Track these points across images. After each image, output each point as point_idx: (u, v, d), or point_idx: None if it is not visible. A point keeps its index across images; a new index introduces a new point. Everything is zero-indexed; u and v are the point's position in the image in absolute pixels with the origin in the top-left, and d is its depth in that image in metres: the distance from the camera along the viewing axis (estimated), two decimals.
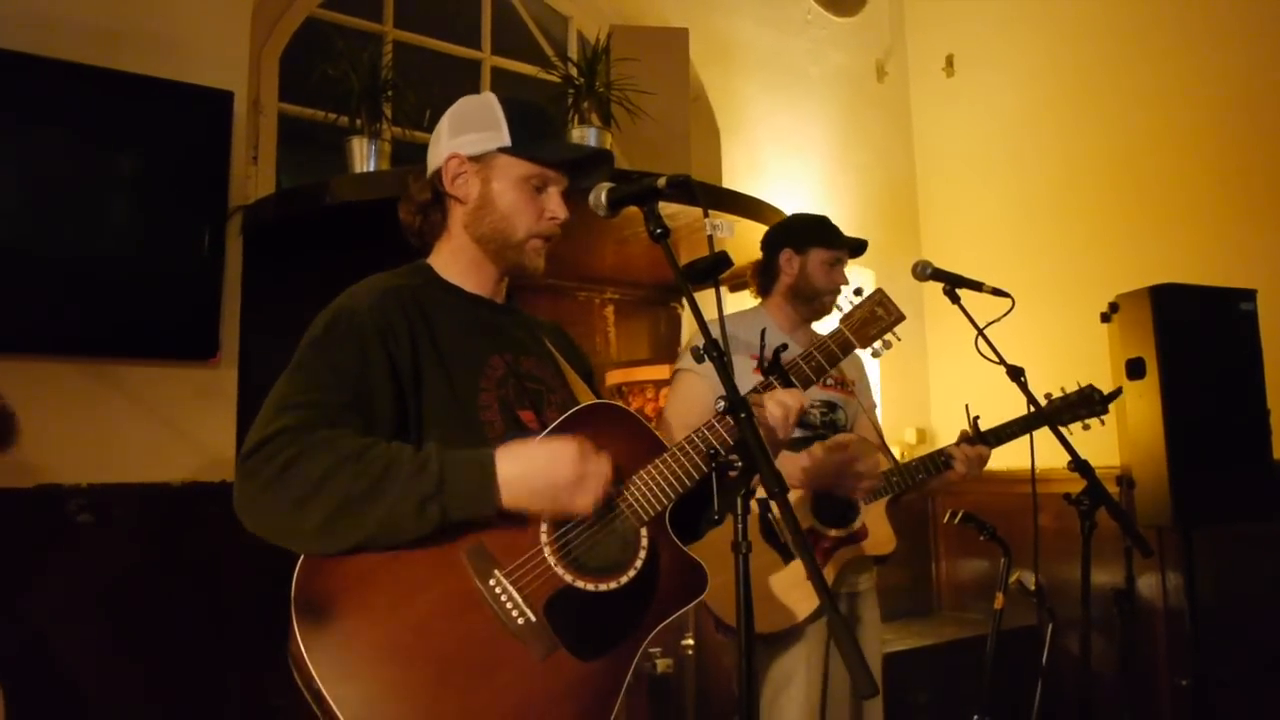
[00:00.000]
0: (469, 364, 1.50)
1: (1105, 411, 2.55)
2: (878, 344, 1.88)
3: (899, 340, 1.91)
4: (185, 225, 2.78)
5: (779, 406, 1.56)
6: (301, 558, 1.31)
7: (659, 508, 1.46)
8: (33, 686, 2.47)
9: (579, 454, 1.35)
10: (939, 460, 2.45)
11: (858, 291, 1.96)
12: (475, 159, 1.55)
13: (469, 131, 1.56)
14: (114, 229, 2.68)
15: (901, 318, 1.89)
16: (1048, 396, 2.57)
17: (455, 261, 1.60)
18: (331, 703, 1.22)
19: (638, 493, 1.45)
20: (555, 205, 1.56)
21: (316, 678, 1.23)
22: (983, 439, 2.48)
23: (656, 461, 1.46)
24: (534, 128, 1.56)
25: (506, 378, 1.53)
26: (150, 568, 2.67)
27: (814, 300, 2.58)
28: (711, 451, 1.38)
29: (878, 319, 1.86)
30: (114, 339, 2.69)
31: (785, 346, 1.66)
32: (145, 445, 2.74)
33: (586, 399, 1.62)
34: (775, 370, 1.65)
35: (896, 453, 4.09)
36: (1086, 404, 2.54)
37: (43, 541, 2.54)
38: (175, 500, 2.73)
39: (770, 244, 2.66)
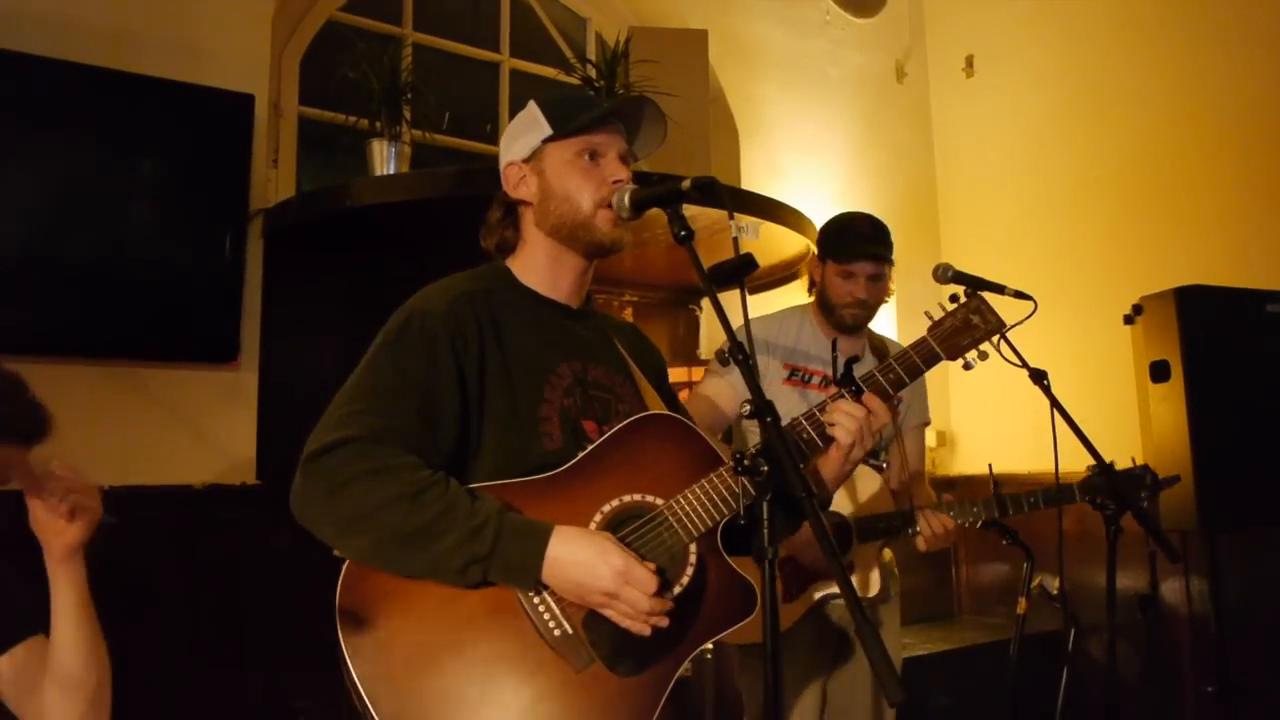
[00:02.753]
0: (534, 373, 1.49)
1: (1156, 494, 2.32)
2: (970, 355, 1.72)
3: (997, 352, 1.77)
4: (206, 228, 2.80)
5: (847, 418, 1.52)
6: (348, 561, 1.33)
7: (708, 525, 1.43)
8: None
9: (622, 570, 1.31)
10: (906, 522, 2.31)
11: (954, 298, 1.78)
12: (528, 160, 1.57)
13: (518, 140, 1.59)
14: (135, 232, 2.70)
15: (1002, 326, 1.74)
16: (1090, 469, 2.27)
17: (532, 264, 1.59)
18: (367, 702, 1.26)
19: (687, 508, 1.42)
20: (613, 168, 1.53)
21: (355, 676, 1.27)
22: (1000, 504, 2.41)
23: (711, 476, 1.44)
24: (570, 108, 1.55)
25: (573, 387, 1.51)
26: (171, 570, 2.68)
27: (833, 312, 2.42)
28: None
29: (971, 328, 1.71)
30: (135, 342, 2.70)
31: (856, 359, 1.59)
32: (166, 448, 2.75)
33: (656, 406, 1.59)
34: (848, 382, 1.57)
35: None
36: (1137, 484, 2.32)
37: None
38: (196, 502, 2.75)
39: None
